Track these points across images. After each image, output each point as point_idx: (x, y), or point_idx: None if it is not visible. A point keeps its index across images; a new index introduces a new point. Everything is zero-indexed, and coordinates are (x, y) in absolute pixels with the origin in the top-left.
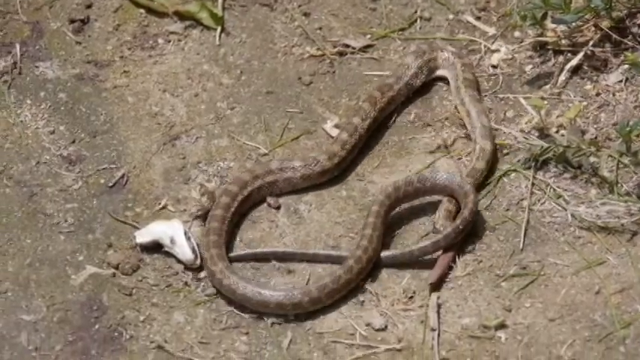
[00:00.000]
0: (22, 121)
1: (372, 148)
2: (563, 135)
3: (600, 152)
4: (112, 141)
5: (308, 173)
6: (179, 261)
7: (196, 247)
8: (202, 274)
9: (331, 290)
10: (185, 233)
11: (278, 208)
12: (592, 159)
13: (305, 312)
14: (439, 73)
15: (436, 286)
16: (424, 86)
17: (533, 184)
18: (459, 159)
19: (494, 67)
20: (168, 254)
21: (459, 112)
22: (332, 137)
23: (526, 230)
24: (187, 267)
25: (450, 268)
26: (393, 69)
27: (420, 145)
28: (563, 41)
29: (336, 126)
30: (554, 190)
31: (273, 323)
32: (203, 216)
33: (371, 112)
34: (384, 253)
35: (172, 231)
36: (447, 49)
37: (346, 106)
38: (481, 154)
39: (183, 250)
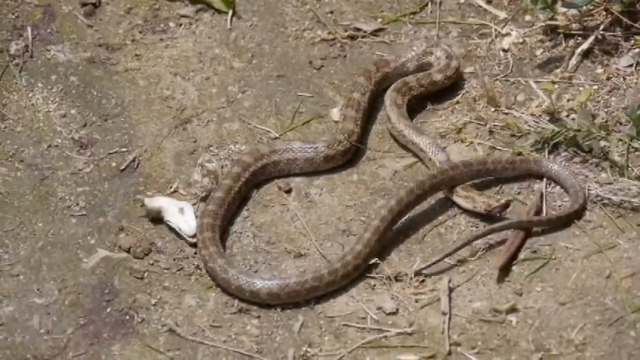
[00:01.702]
0: (33, 105)
1: (382, 131)
2: (573, 119)
3: (611, 136)
4: (124, 124)
5: (332, 154)
6: (177, 234)
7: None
8: None
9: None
10: (194, 210)
11: (289, 191)
12: (602, 143)
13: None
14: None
15: (504, 270)
16: None
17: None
18: (471, 143)
19: (505, 51)
20: (170, 228)
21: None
22: (335, 122)
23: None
24: (185, 239)
25: (517, 253)
26: (399, 49)
27: (430, 129)
28: (574, 25)
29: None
30: None
31: (284, 307)
32: (207, 197)
33: (368, 85)
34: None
35: (183, 204)
36: (442, 47)
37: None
38: None
39: (189, 222)
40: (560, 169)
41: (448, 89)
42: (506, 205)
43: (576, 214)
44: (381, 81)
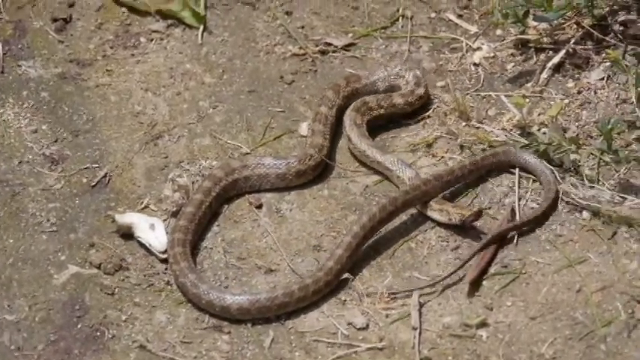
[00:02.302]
0: (4, 120)
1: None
2: (544, 133)
3: (581, 150)
4: (95, 140)
5: (303, 169)
6: (148, 250)
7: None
8: None
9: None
10: (165, 226)
11: (260, 207)
12: (573, 156)
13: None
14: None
15: (474, 285)
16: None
17: (514, 182)
18: (442, 157)
19: (476, 65)
20: (141, 244)
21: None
22: (304, 136)
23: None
24: (156, 255)
25: (488, 268)
26: (373, 65)
27: (401, 143)
28: (545, 39)
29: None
30: (535, 189)
31: (254, 323)
32: (177, 212)
33: (336, 99)
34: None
35: (154, 220)
36: (414, 72)
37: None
38: None
39: (160, 239)
40: (529, 156)
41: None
42: (479, 213)
43: (553, 205)
44: (350, 96)
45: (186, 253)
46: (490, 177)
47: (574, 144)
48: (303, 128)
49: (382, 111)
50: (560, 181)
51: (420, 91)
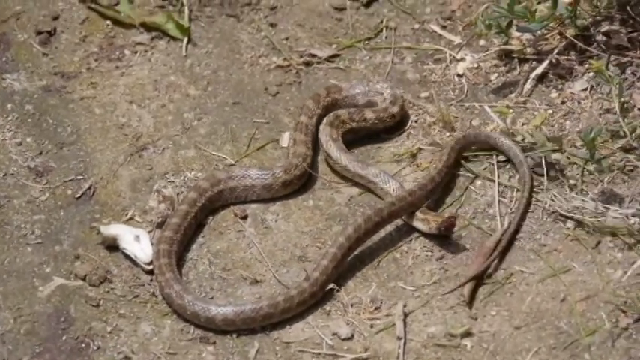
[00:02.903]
0: None
1: None
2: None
3: (564, 151)
4: (79, 152)
5: (289, 179)
6: (133, 262)
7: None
8: None
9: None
10: (150, 238)
11: (245, 218)
12: (555, 156)
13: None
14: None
15: (470, 303)
16: None
17: (498, 192)
18: (426, 168)
19: (459, 75)
20: (126, 255)
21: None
22: (284, 147)
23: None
24: (141, 266)
25: (479, 283)
26: (356, 78)
27: (386, 154)
28: (528, 50)
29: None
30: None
31: (239, 333)
32: (163, 223)
33: (315, 109)
34: None
35: (139, 232)
36: (394, 92)
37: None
38: None
39: (145, 250)
40: (500, 136)
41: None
42: (450, 219)
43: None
44: (330, 106)
45: (172, 264)
46: (474, 187)
47: (556, 143)
48: (285, 139)
49: (354, 124)
50: (545, 189)
51: (394, 109)
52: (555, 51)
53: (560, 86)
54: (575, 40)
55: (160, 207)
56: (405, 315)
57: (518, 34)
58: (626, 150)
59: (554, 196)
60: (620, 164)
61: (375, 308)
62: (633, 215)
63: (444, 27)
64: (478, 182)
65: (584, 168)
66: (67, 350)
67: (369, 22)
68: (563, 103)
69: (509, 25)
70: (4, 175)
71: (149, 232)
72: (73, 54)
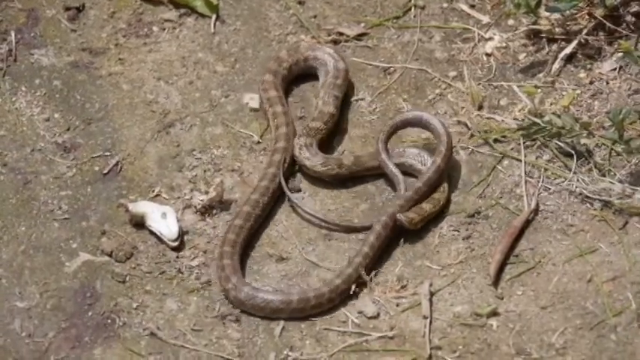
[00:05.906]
0: (16, 109)
1: (363, 135)
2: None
3: (593, 135)
4: (107, 128)
5: None
6: (159, 238)
7: (181, 230)
8: (195, 262)
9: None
10: (177, 216)
11: (299, 190)
12: (584, 141)
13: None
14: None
15: (496, 282)
16: None
17: (526, 172)
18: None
19: (488, 55)
20: (152, 232)
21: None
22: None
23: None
24: (166, 243)
25: (505, 263)
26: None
27: (410, 136)
28: (557, 29)
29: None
30: (548, 177)
31: None
32: (202, 209)
33: (279, 70)
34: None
35: (165, 209)
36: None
37: None
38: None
39: (171, 227)
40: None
41: (429, 91)
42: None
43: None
44: (292, 67)
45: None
46: (501, 166)
47: (585, 128)
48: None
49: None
50: (574, 171)
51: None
52: (584, 31)
53: (588, 66)
54: (604, 21)
55: (211, 193)
56: (431, 294)
57: (547, 13)
58: None
59: (581, 177)
60: None
61: (401, 287)
62: None
63: (472, 6)
64: (505, 162)
65: (612, 149)
66: (92, 326)
67: (397, 0)
68: (591, 83)
69: (538, 4)
70: (31, 151)
71: (178, 210)
72: (101, 30)
